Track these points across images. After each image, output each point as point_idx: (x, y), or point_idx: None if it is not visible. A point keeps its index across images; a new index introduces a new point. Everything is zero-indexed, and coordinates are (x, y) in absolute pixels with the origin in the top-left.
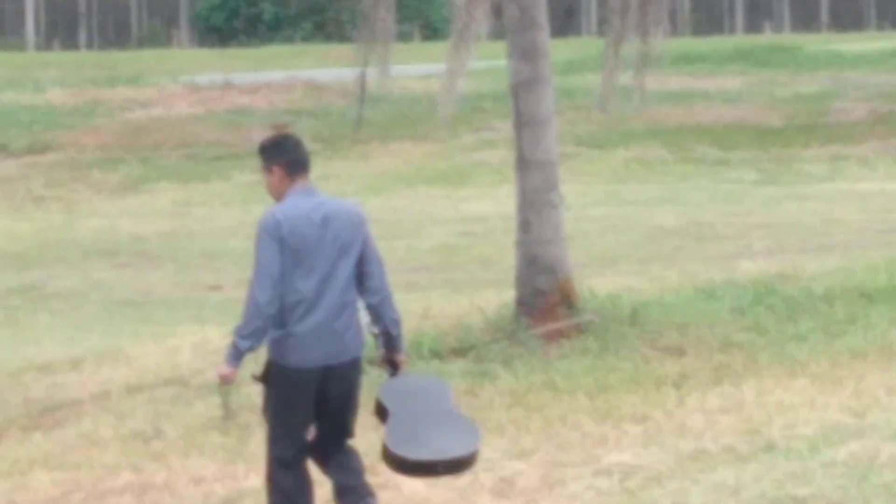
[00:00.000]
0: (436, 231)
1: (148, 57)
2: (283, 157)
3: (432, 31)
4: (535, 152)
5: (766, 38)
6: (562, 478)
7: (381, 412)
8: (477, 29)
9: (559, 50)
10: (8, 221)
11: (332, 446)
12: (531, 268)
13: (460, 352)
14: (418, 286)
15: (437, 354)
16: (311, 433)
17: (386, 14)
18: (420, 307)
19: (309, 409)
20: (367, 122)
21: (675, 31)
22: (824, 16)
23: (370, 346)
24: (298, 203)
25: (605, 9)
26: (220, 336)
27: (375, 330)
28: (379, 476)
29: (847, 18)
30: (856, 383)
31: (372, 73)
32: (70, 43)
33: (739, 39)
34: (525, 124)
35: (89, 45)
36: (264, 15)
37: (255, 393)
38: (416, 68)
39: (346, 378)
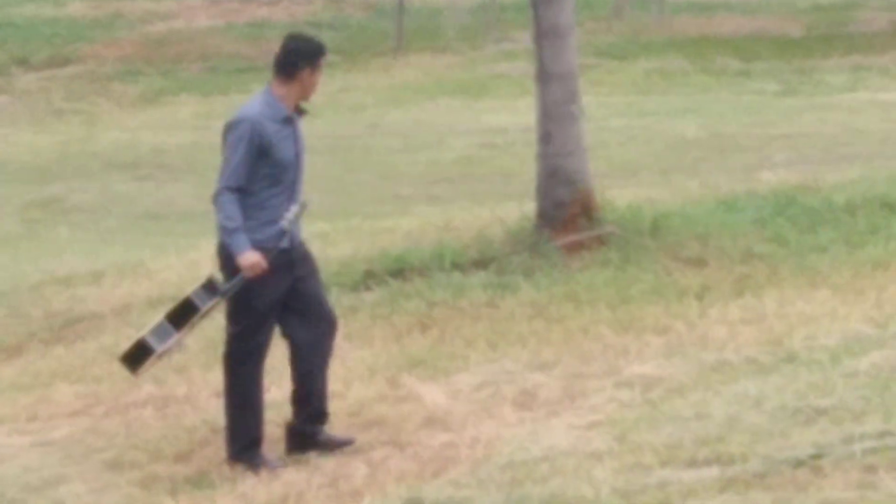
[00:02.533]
0: (456, 143)
1: None
2: None
3: None
4: (555, 64)
5: None
6: (583, 389)
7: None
8: None
9: None
10: (29, 134)
11: None
12: (552, 180)
13: (481, 263)
14: (440, 198)
15: (458, 266)
16: None
17: None
18: (441, 219)
19: None
20: (387, 34)
21: None
22: None
23: None
24: None
25: None
26: None
27: None
28: (401, 388)
29: None
30: (877, 294)
31: None
32: None
33: None
34: (545, 36)
35: None
36: None
37: None
38: None
39: None
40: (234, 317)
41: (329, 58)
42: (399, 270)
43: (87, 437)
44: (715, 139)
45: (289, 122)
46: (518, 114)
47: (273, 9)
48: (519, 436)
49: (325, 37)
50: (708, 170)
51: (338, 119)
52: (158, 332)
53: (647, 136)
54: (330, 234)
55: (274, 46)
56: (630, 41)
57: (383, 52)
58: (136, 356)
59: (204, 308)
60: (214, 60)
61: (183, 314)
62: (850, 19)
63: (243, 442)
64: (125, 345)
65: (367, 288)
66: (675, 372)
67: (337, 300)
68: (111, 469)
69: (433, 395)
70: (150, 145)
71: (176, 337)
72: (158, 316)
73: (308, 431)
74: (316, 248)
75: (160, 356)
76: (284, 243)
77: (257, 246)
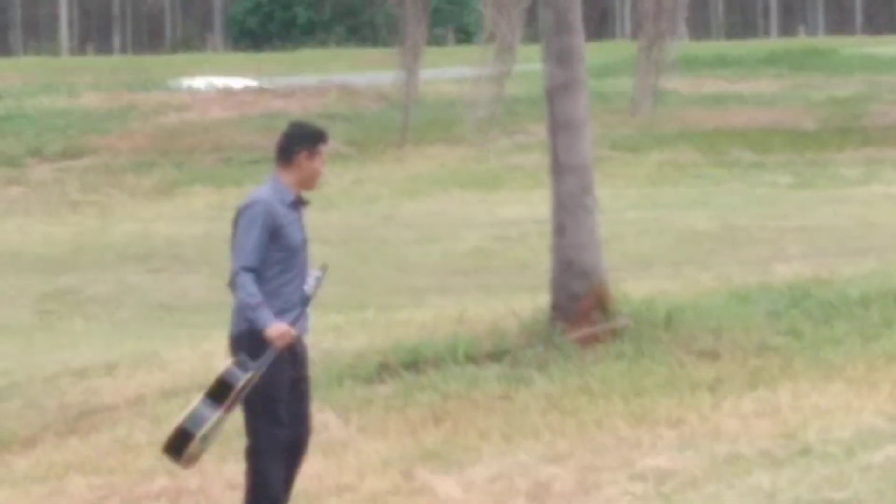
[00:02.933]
0: (470, 235)
1: (182, 61)
2: None
3: (466, 35)
4: (569, 156)
5: (801, 41)
6: (597, 482)
7: None
8: (505, 34)
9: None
10: (43, 226)
11: None
12: (566, 272)
13: (496, 356)
14: (453, 290)
15: (472, 359)
16: None
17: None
18: (455, 311)
19: None
20: (402, 125)
21: (708, 34)
22: (859, 19)
23: None
24: None
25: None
26: None
27: None
28: (415, 481)
29: (882, 21)
30: (892, 387)
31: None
32: (104, 47)
33: (774, 43)
34: (560, 128)
35: (123, 50)
36: (298, 19)
37: None
38: (450, 72)
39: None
40: (253, 409)
41: (342, 149)
42: (413, 363)
43: None
44: (727, 231)
45: (295, 206)
46: (532, 205)
47: (287, 100)
48: None
49: (339, 129)
50: (721, 262)
51: (352, 210)
52: (195, 415)
53: (660, 229)
54: (344, 326)
55: None
56: (644, 133)
57: (397, 144)
58: (178, 444)
59: (239, 384)
60: (228, 152)
61: (219, 393)
62: (864, 112)
63: None
64: (139, 437)
65: (381, 380)
66: (689, 465)
67: (351, 392)
68: None
69: (447, 487)
70: (163, 237)
71: (214, 417)
72: (193, 401)
73: None
74: (330, 341)
75: (202, 441)
76: (298, 328)
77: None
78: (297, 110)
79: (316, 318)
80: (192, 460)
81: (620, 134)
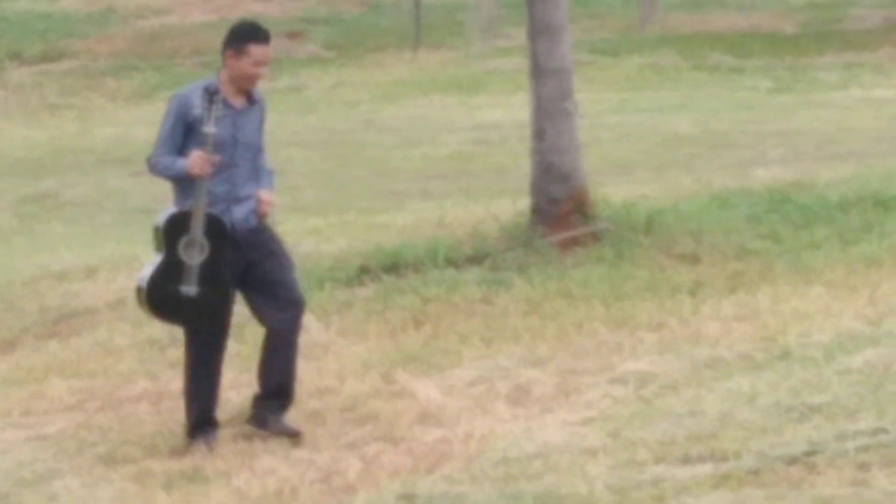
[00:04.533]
0: (451, 139)
1: None
2: None
3: None
4: (549, 60)
5: None
6: (577, 385)
7: None
8: None
9: None
10: (22, 129)
11: None
12: (546, 176)
13: (475, 260)
14: (433, 194)
15: (452, 262)
16: None
17: None
18: (435, 215)
19: None
20: (382, 30)
21: None
22: None
23: None
24: None
25: None
26: None
27: None
28: (395, 384)
29: None
30: (871, 291)
31: None
32: None
33: None
34: (540, 32)
35: None
36: None
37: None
38: None
39: None
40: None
41: (322, 53)
42: (393, 266)
43: (80, 431)
44: (708, 136)
45: (224, 104)
46: (512, 110)
47: (267, 4)
48: (513, 432)
49: (319, 32)
50: (701, 166)
51: (332, 114)
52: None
53: (640, 133)
54: (324, 229)
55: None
56: (623, 37)
57: (378, 48)
58: (139, 300)
59: (162, 223)
60: (208, 56)
61: (154, 241)
62: (843, 17)
63: (197, 420)
64: (119, 340)
65: (361, 283)
66: (669, 368)
67: (331, 295)
68: (105, 464)
69: (427, 390)
70: (143, 141)
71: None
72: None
73: (264, 411)
74: (310, 244)
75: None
76: (225, 218)
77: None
78: (277, 14)
79: (296, 222)
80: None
81: (600, 38)
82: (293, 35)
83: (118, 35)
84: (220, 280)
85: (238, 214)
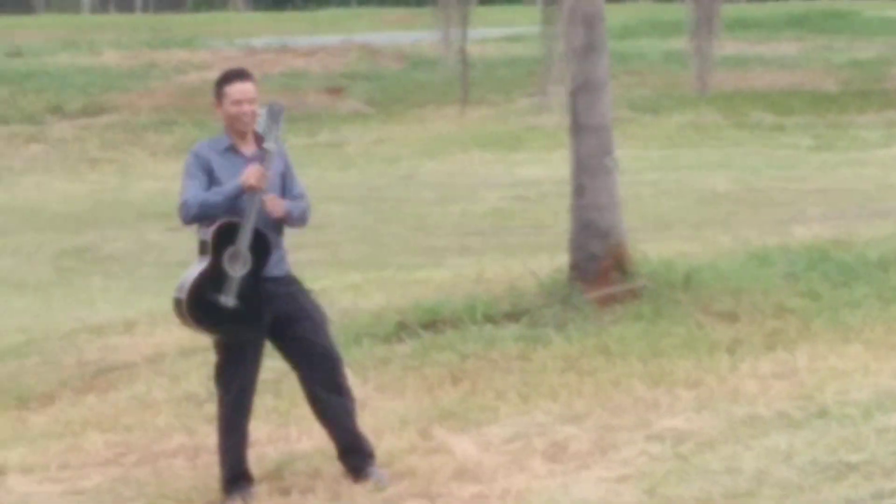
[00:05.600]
0: (490, 195)
1: (203, 20)
2: None
3: None
4: (590, 117)
5: (823, 3)
6: (614, 442)
7: None
8: None
9: (614, 14)
10: (63, 183)
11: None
12: (585, 232)
13: (514, 316)
14: (472, 250)
15: (490, 318)
16: None
17: None
18: (474, 271)
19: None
20: (423, 85)
21: None
22: None
23: None
24: None
25: None
26: None
27: None
28: (432, 440)
29: None
30: None
31: (430, 37)
32: (126, 5)
33: (796, 5)
34: (580, 89)
35: (145, 8)
36: None
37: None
38: (471, 33)
39: None
40: (215, 347)
41: (363, 109)
42: (431, 322)
43: (117, 486)
44: (748, 193)
45: (233, 151)
46: (551, 166)
47: (308, 60)
48: (549, 488)
49: (360, 88)
50: (740, 224)
51: (372, 170)
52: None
53: (679, 190)
54: (362, 285)
55: (309, 97)
56: (664, 95)
57: (418, 104)
58: (177, 312)
59: (209, 236)
60: None
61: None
62: (885, 75)
63: (229, 475)
64: (157, 395)
65: (399, 339)
66: (706, 426)
67: (369, 351)
68: None
69: (464, 446)
70: None
71: (197, 269)
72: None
73: (349, 466)
74: (348, 299)
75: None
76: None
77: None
78: (318, 70)
79: (335, 277)
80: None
81: (639, 95)
82: (334, 91)
83: (159, 90)
84: (257, 297)
85: (267, 265)
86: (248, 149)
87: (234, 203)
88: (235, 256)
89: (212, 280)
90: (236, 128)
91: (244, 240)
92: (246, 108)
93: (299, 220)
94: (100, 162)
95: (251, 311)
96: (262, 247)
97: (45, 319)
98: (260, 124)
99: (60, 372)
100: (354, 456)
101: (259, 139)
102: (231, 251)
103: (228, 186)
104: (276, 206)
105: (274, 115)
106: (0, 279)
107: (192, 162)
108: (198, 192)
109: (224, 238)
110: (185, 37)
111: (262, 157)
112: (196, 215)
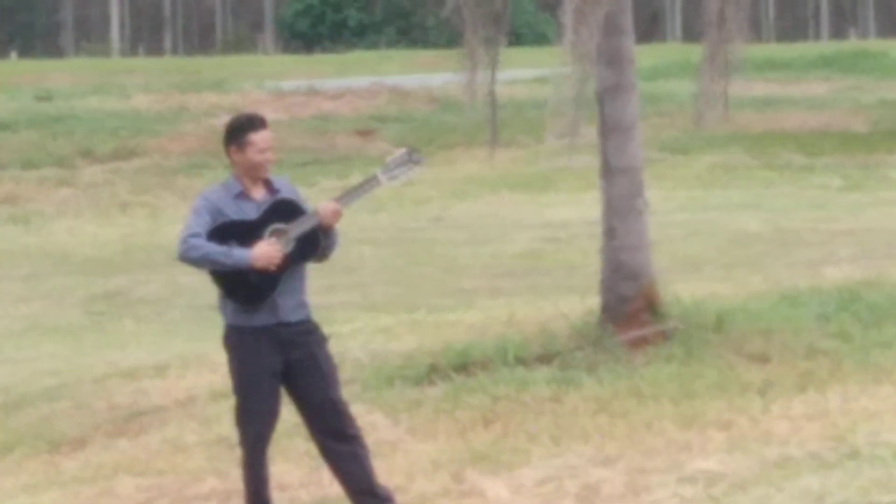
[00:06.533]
0: (520, 237)
1: (233, 63)
2: None
3: (516, 37)
4: (620, 159)
5: (852, 44)
6: (646, 484)
7: None
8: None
9: (644, 56)
10: (94, 227)
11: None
12: (616, 274)
13: (545, 358)
14: (503, 292)
15: (521, 361)
16: None
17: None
18: (505, 313)
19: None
20: (452, 127)
21: (759, 37)
22: None
23: None
24: None
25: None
26: None
27: None
28: (464, 483)
29: None
30: None
31: (459, 79)
32: (155, 48)
33: (825, 45)
34: (610, 131)
35: (174, 51)
36: (349, 20)
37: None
38: (500, 74)
39: None
40: (233, 389)
41: (393, 151)
42: (462, 364)
43: None
44: (778, 234)
45: (244, 197)
46: (582, 207)
47: (337, 103)
48: None
49: (390, 130)
50: (771, 264)
51: (401, 212)
52: None
53: (710, 231)
54: (393, 327)
55: (338, 140)
56: (694, 136)
57: (448, 146)
58: None
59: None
60: (279, 154)
61: None
62: None
63: None
64: (189, 438)
65: (431, 382)
66: (738, 467)
67: (400, 394)
68: None
69: (496, 489)
70: None
71: None
72: None
73: None
74: (379, 342)
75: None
76: (271, 319)
77: (246, 322)
78: (348, 112)
79: (366, 320)
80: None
81: (670, 136)
82: (364, 133)
83: (189, 133)
84: (272, 287)
85: (284, 307)
86: (259, 193)
87: (238, 270)
88: (280, 234)
89: (245, 235)
90: (256, 174)
91: (296, 229)
92: (269, 156)
93: (334, 244)
94: (130, 205)
95: (264, 288)
96: (310, 244)
97: (77, 363)
98: (393, 160)
99: (92, 416)
100: (368, 499)
101: (268, 185)
102: (278, 227)
103: (237, 256)
104: (332, 213)
105: (409, 159)
106: (31, 323)
107: (201, 203)
108: (203, 232)
109: (277, 213)
110: (215, 79)
111: (270, 200)
112: (195, 261)
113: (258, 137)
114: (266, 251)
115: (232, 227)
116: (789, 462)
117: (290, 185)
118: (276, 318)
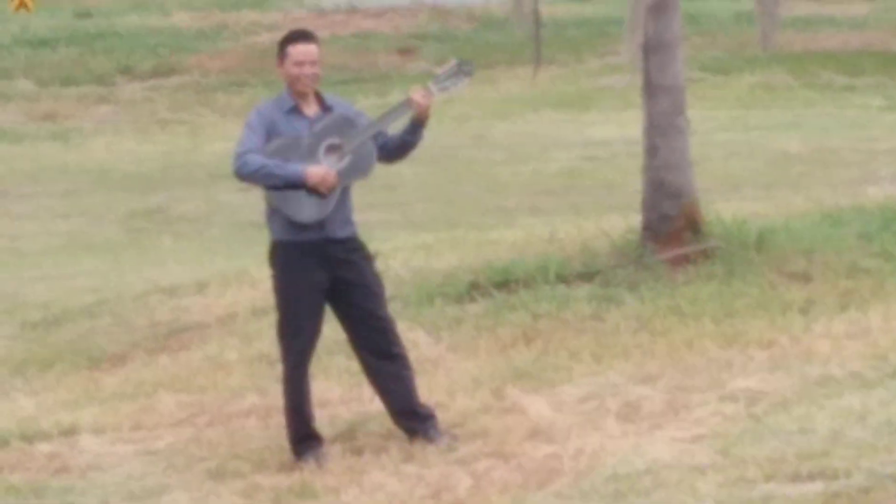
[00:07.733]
0: (560, 155)
1: None
2: None
3: None
4: (662, 77)
5: None
6: (687, 403)
7: None
8: None
9: None
10: (133, 144)
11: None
12: (657, 193)
13: (586, 276)
14: (543, 210)
15: (562, 279)
16: None
17: None
18: (546, 231)
19: None
20: (493, 46)
21: None
22: None
23: None
24: None
25: None
26: None
27: None
28: (505, 400)
29: None
30: None
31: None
32: None
33: None
34: (653, 49)
35: None
36: None
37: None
38: None
39: None
40: (276, 305)
41: (433, 70)
42: (504, 282)
43: (189, 446)
44: (819, 154)
45: (296, 112)
46: (622, 126)
47: (378, 21)
48: (622, 448)
49: (430, 49)
50: (812, 185)
51: (442, 130)
52: None
53: (750, 151)
54: (434, 245)
55: (378, 58)
56: (735, 56)
57: (489, 65)
58: None
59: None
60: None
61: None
62: None
63: (296, 435)
64: (229, 355)
65: (472, 299)
66: (779, 386)
67: (441, 311)
68: (214, 479)
69: (537, 406)
70: None
71: None
72: None
73: (404, 428)
74: (420, 259)
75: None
76: (319, 235)
77: (294, 237)
78: (388, 30)
79: (406, 237)
80: None
81: (710, 56)
82: (405, 51)
83: (229, 51)
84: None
85: (332, 223)
86: (311, 110)
87: (290, 186)
88: (335, 149)
89: (296, 148)
90: (297, 88)
91: (354, 140)
92: (307, 69)
93: (419, 141)
94: (170, 123)
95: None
96: (363, 158)
97: (116, 280)
98: (444, 72)
99: (132, 333)
100: (409, 418)
101: (321, 100)
102: (335, 142)
103: (292, 171)
104: (424, 98)
105: (459, 69)
106: (70, 240)
107: (255, 118)
108: (258, 148)
109: (336, 129)
110: None
111: (322, 117)
112: (249, 176)
113: (295, 50)
114: (322, 174)
115: (285, 144)
116: (830, 381)
117: (344, 101)
118: (324, 234)
